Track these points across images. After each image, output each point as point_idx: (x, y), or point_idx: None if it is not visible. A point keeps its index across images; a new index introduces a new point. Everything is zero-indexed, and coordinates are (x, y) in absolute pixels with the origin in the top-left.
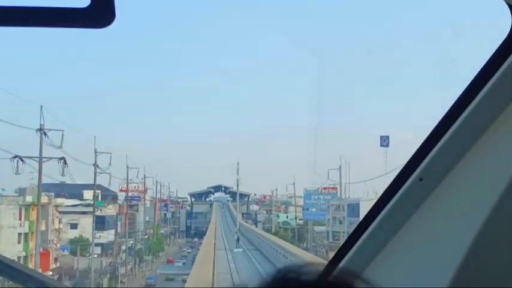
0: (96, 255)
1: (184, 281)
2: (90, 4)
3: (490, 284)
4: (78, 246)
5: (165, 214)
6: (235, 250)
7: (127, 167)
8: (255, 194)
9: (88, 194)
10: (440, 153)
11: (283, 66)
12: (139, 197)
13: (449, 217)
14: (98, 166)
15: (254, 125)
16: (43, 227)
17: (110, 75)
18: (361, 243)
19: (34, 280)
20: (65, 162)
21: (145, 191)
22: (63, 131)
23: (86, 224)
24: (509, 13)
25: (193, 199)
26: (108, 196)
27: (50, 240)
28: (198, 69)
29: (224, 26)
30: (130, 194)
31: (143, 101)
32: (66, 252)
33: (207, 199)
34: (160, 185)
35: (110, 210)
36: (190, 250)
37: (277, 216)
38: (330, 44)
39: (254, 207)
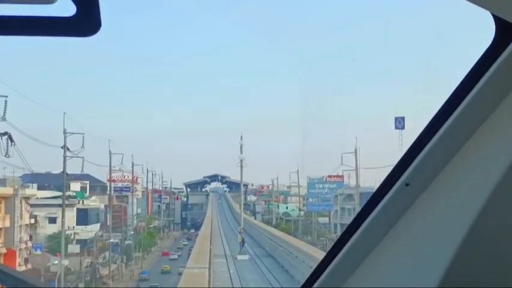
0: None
1: (180, 273)
2: (76, 13)
3: None
4: (61, 244)
5: (158, 206)
6: (239, 258)
7: (110, 153)
8: (252, 184)
9: (75, 185)
10: (426, 158)
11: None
12: (130, 187)
13: (435, 223)
14: (68, 149)
15: (253, 112)
16: (7, 223)
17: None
18: (346, 251)
19: (12, 279)
20: (11, 139)
21: (133, 180)
22: (6, 96)
23: (67, 218)
24: (493, 20)
25: (189, 189)
26: (97, 187)
27: (18, 238)
28: (196, 59)
29: (219, 22)
30: (119, 184)
31: (131, 85)
32: (39, 252)
33: (203, 189)
34: (152, 174)
35: (94, 203)
36: (186, 242)
37: (278, 207)
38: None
39: (251, 198)
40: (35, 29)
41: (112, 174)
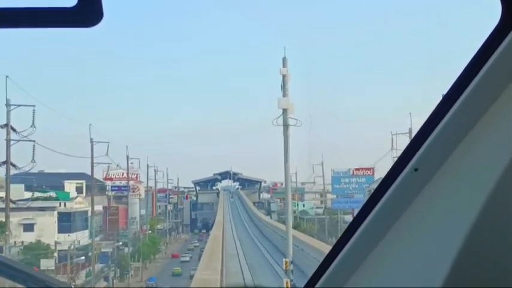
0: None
1: (191, 276)
2: (77, 4)
3: (487, 279)
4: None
5: (165, 206)
6: None
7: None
8: (264, 182)
9: (70, 185)
10: (435, 142)
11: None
12: (129, 186)
13: (445, 209)
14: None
15: (261, 110)
16: None
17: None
18: (350, 246)
19: (34, 279)
20: None
21: (128, 177)
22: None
23: (46, 224)
24: (499, 2)
25: (198, 188)
26: (95, 187)
27: None
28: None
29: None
30: (118, 183)
31: (131, 84)
32: None
33: (214, 187)
34: (155, 171)
35: (81, 205)
36: (197, 244)
37: (296, 205)
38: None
39: (265, 196)
40: (36, 21)
41: (109, 172)
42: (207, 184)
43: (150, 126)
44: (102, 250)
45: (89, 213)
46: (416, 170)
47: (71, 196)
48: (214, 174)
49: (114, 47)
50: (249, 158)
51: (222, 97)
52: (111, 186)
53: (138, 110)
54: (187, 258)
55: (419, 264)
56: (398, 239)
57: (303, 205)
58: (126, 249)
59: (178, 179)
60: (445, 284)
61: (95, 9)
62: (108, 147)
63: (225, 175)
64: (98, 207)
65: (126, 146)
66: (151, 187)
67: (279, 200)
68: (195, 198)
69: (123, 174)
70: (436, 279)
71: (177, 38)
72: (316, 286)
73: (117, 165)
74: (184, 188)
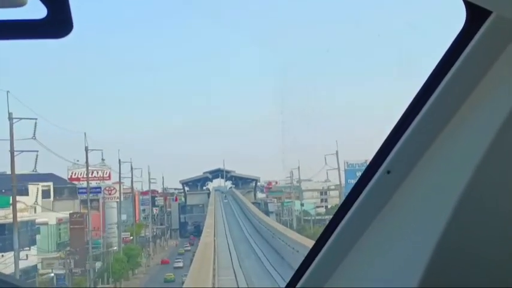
0: None
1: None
2: (47, 15)
3: (462, 278)
4: None
5: (150, 210)
6: None
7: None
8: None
9: (35, 188)
10: (406, 145)
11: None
12: (101, 187)
13: (418, 210)
14: None
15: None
16: None
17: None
18: (328, 247)
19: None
20: None
21: (87, 176)
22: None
23: None
24: (463, 4)
25: (187, 188)
26: (64, 190)
27: None
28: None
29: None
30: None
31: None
32: None
33: (204, 187)
34: (131, 168)
35: (25, 213)
36: (189, 248)
37: (298, 204)
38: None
39: (260, 195)
40: (7, 33)
41: (76, 171)
42: (196, 184)
43: (132, 126)
44: (55, 272)
45: (50, 223)
46: (388, 172)
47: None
48: (204, 173)
49: (100, 52)
50: (240, 156)
51: (205, 97)
52: (79, 188)
53: (120, 109)
54: (181, 264)
55: (395, 265)
56: (372, 241)
57: (302, 204)
58: (96, 265)
59: (163, 178)
60: (420, 283)
61: (64, 21)
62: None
63: (216, 173)
64: (66, 215)
65: (84, 133)
66: (136, 188)
67: (275, 199)
68: (184, 200)
69: (92, 173)
70: (412, 279)
71: (168, 41)
72: (297, 286)
73: (78, 161)
74: (175, 189)
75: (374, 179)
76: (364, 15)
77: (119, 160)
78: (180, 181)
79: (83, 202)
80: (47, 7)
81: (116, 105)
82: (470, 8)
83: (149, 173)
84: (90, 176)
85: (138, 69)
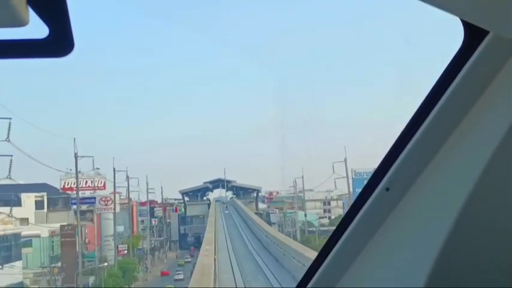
0: None
1: None
2: (49, 34)
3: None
4: None
5: (149, 221)
6: None
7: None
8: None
9: (28, 199)
10: (405, 162)
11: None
12: (95, 198)
13: (416, 228)
14: None
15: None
16: None
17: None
18: (330, 259)
19: None
20: None
21: (76, 184)
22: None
23: None
24: (461, 24)
25: (187, 199)
26: (58, 200)
27: None
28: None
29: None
30: (80, 193)
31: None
32: None
33: (205, 197)
34: (127, 177)
35: (8, 226)
36: (189, 259)
37: (301, 215)
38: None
39: (261, 206)
40: (8, 52)
41: (68, 180)
42: (196, 194)
43: (130, 136)
44: None
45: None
46: (387, 189)
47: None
48: (204, 183)
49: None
50: (240, 167)
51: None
52: (72, 199)
53: (119, 117)
54: (181, 276)
55: (395, 278)
56: (370, 260)
57: (305, 215)
58: (90, 280)
59: (162, 188)
60: None
61: (66, 40)
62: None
63: (217, 183)
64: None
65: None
66: (133, 199)
67: (277, 210)
68: (183, 211)
69: (86, 182)
70: None
71: (165, 46)
72: (308, 287)
73: (70, 170)
74: (175, 199)
75: (373, 196)
76: (363, 34)
77: (114, 169)
78: (179, 191)
79: (77, 213)
80: (48, 26)
81: (114, 112)
82: (468, 27)
83: (147, 183)
84: (84, 185)
85: (137, 75)
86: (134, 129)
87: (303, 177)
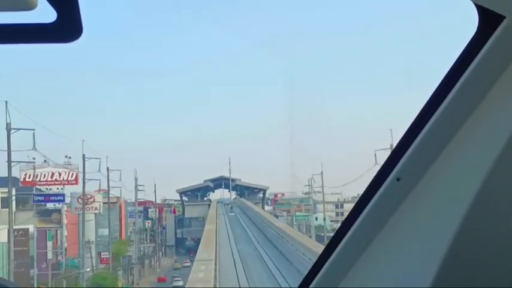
0: None
1: None
2: (56, 19)
3: (472, 282)
4: None
5: (143, 223)
6: None
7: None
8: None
9: None
10: (416, 152)
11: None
12: (63, 195)
13: (427, 218)
14: None
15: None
16: None
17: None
18: (340, 250)
19: None
20: None
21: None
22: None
23: None
24: (476, 10)
25: (185, 199)
26: (28, 197)
27: None
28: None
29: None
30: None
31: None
32: None
33: (205, 198)
34: (108, 169)
35: None
36: (188, 264)
37: (316, 219)
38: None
39: (266, 208)
40: (16, 36)
41: (29, 172)
42: (196, 193)
43: (128, 135)
44: None
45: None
46: (398, 179)
47: None
48: (205, 181)
49: (98, 59)
50: (243, 167)
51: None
52: (34, 195)
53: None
54: (181, 283)
55: (405, 271)
56: (381, 249)
57: (316, 218)
58: None
59: (155, 185)
60: (433, 284)
61: (74, 25)
62: None
63: (218, 181)
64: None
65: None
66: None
67: (285, 212)
68: (181, 212)
69: (52, 175)
70: (423, 283)
71: (166, 48)
72: (310, 287)
73: (34, 158)
74: (175, 200)
75: (384, 186)
76: (373, 23)
77: (107, 168)
78: (176, 190)
79: (41, 214)
80: (56, 11)
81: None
82: (483, 12)
83: (136, 178)
84: (50, 179)
85: (140, 75)
86: (135, 125)
87: (322, 173)
